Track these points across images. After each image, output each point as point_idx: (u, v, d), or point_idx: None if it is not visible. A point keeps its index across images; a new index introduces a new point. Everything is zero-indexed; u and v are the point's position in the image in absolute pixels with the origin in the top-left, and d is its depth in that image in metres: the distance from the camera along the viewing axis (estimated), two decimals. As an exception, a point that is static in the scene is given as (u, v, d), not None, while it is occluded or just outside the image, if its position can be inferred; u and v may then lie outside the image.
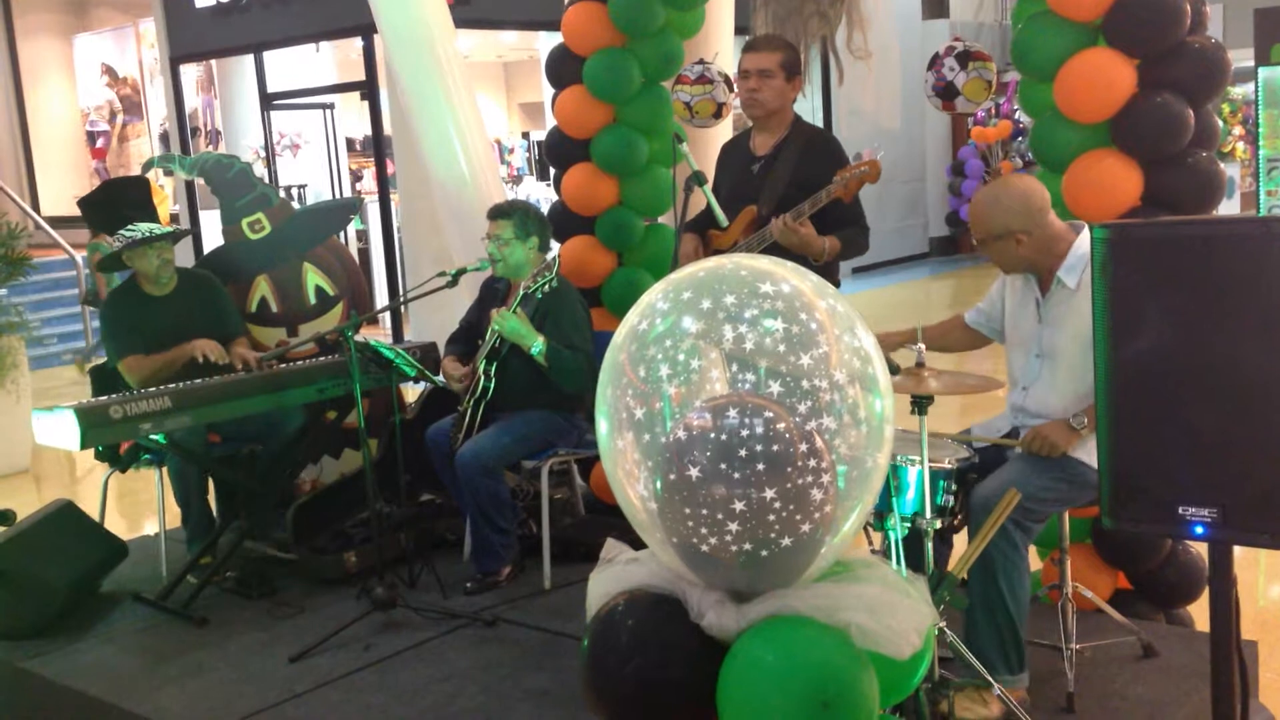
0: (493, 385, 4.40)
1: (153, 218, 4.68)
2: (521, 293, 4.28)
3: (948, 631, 3.02)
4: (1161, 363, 2.14)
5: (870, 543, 3.50)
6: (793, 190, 3.98)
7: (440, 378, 4.64)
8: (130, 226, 4.58)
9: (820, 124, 13.14)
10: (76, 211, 15.50)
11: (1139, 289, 2.14)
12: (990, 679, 3.06)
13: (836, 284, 4.16)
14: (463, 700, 3.56)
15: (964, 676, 3.12)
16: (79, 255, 11.66)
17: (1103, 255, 2.18)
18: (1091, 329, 3.13)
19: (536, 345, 4.24)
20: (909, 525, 3.09)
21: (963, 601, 3.03)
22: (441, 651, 3.90)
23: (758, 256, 2.32)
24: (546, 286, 4.24)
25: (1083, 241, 3.26)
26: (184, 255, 4.91)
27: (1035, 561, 3.83)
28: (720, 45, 5.66)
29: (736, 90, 4.33)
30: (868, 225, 4.11)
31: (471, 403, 4.41)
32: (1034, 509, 3.17)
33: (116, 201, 4.73)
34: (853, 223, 4.04)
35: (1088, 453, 3.18)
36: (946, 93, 4.42)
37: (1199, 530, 2.15)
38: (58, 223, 12.82)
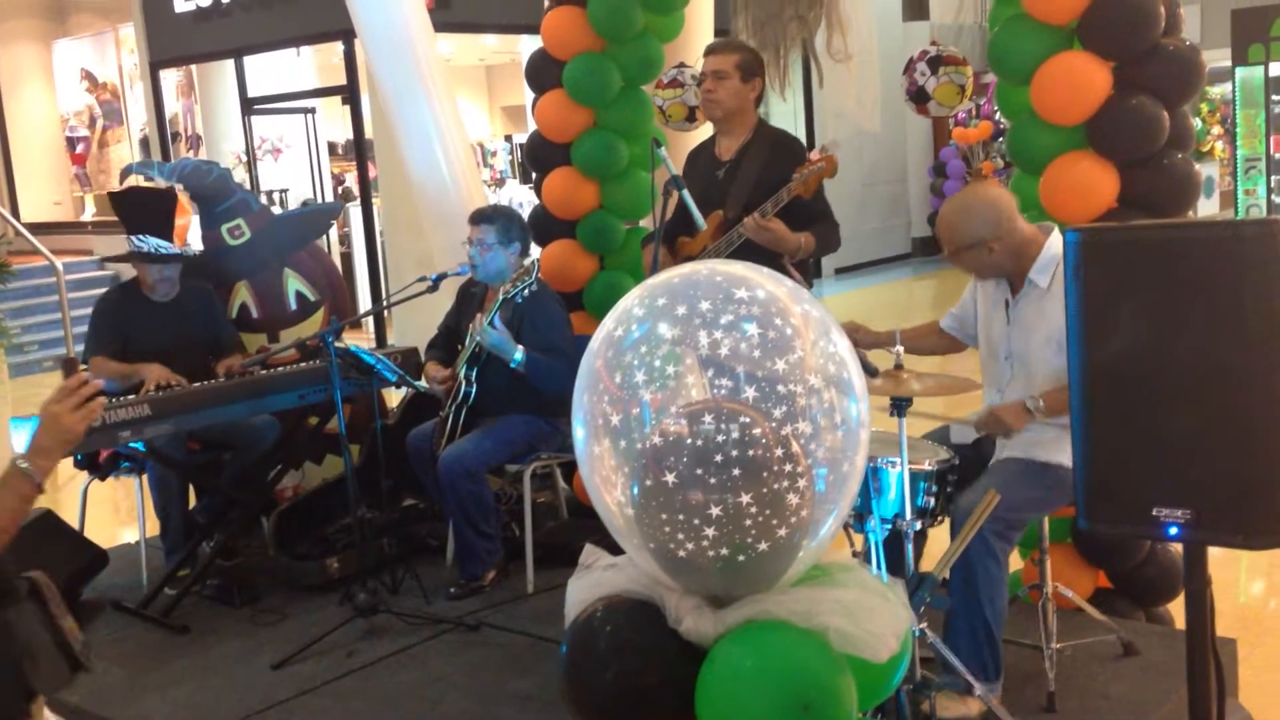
0: (474, 390, 4.40)
1: (166, 233, 4.70)
2: (501, 298, 4.28)
3: (929, 633, 3.04)
4: (1134, 365, 2.15)
5: (851, 544, 3.51)
6: (758, 193, 4.02)
7: (422, 382, 4.63)
8: (141, 237, 4.60)
9: (803, 126, 13.18)
10: (57, 218, 15.37)
11: (1111, 292, 2.15)
12: (970, 679, 3.07)
13: (810, 284, 4.21)
14: (446, 706, 3.56)
15: (944, 677, 3.13)
16: (59, 262, 11.60)
17: (1075, 259, 2.19)
18: (1062, 330, 3.17)
19: (516, 357, 4.25)
20: (889, 527, 3.11)
21: (945, 601, 3.04)
22: (425, 657, 3.90)
23: (732, 262, 2.32)
24: (526, 290, 4.25)
25: (1054, 242, 3.28)
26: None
27: (1016, 561, 3.84)
28: (700, 48, 5.65)
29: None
30: (837, 221, 4.15)
31: (453, 408, 4.41)
32: (1014, 519, 3.18)
33: (136, 207, 4.75)
34: (822, 219, 4.08)
35: (1067, 455, 3.19)
36: (919, 97, 4.46)
37: (1173, 531, 2.16)
38: (38, 229, 12.73)
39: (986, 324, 3.48)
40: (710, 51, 4.23)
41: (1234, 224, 2.08)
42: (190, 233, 6.79)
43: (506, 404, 4.42)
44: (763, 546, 2.09)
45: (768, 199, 3.94)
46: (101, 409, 2.31)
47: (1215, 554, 2.32)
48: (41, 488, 2.29)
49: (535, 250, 5.00)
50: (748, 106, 4.20)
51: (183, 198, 4.82)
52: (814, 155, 3.93)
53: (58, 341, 11.85)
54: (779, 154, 4.12)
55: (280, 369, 4.62)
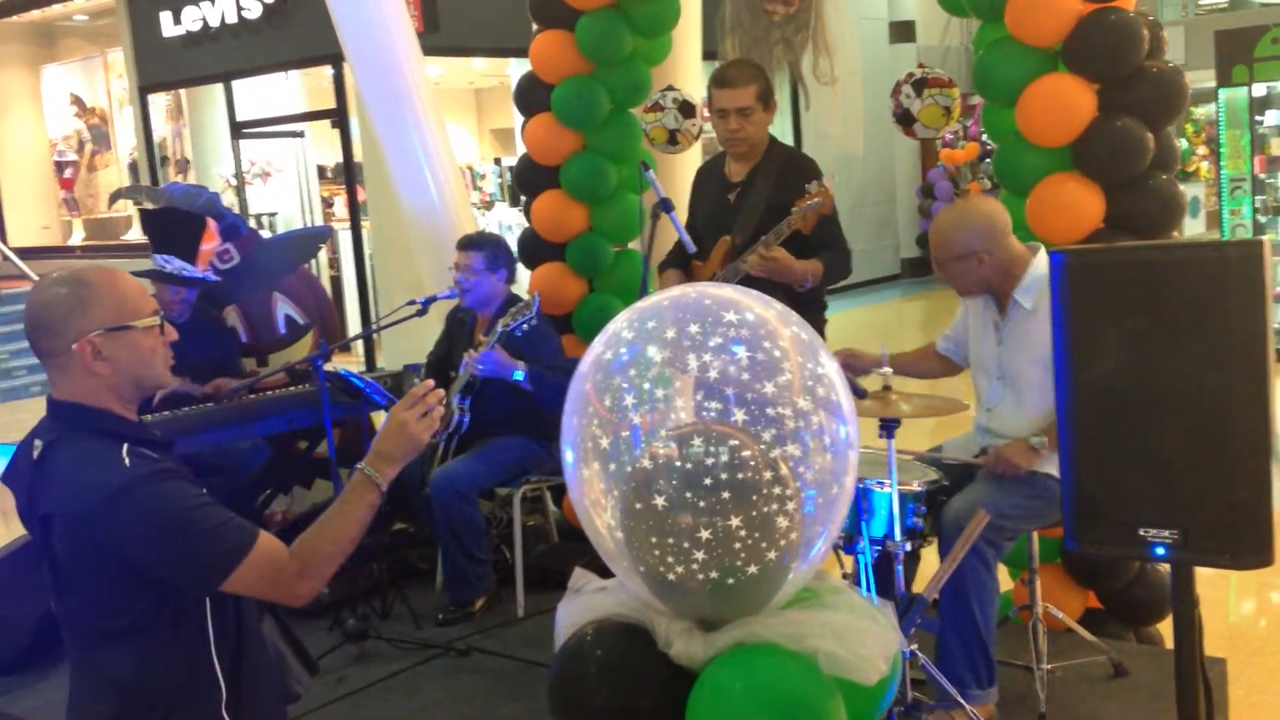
0: (468, 419, 4.39)
1: (190, 256, 4.73)
2: (500, 330, 4.26)
3: (920, 655, 3.04)
4: (1120, 386, 2.16)
5: (841, 566, 3.51)
6: (768, 217, 3.85)
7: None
8: (166, 257, 4.64)
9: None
10: (44, 242, 15.29)
11: (1097, 314, 2.17)
12: (961, 700, 3.07)
13: (824, 307, 4.13)
14: (435, 731, 3.55)
15: (936, 698, 3.13)
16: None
17: (1060, 280, 2.20)
18: (1049, 353, 3.18)
19: (518, 373, 4.25)
20: (879, 548, 3.11)
21: (935, 624, 3.04)
22: (415, 682, 3.89)
23: (722, 285, 2.33)
24: (526, 325, 4.25)
25: (1039, 263, 3.29)
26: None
27: (1006, 582, 3.84)
28: (689, 72, 5.69)
29: (713, 126, 4.13)
30: (849, 248, 3.99)
31: (444, 436, 4.40)
32: (1005, 527, 3.19)
33: (166, 228, 4.79)
34: (832, 246, 3.92)
35: (1056, 467, 3.20)
36: (904, 119, 4.48)
37: (1160, 551, 2.17)
38: (25, 253, 12.70)
39: (977, 344, 3.49)
40: (726, 84, 3.92)
41: (1219, 245, 2.09)
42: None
43: (500, 428, 4.42)
44: (752, 569, 2.09)
45: (779, 220, 3.78)
46: (439, 420, 2.24)
47: (1204, 573, 2.33)
48: (384, 494, 2.22)
49: (523, 276, 5.00)
50: (767, 132, 4.05)
51: (211, 225, 4.86)
52: (810, 190, 3.80)
53: (45, 366, 11.80)
54: (790, 175, 3.93)
55: (269, 393, 4.62)
